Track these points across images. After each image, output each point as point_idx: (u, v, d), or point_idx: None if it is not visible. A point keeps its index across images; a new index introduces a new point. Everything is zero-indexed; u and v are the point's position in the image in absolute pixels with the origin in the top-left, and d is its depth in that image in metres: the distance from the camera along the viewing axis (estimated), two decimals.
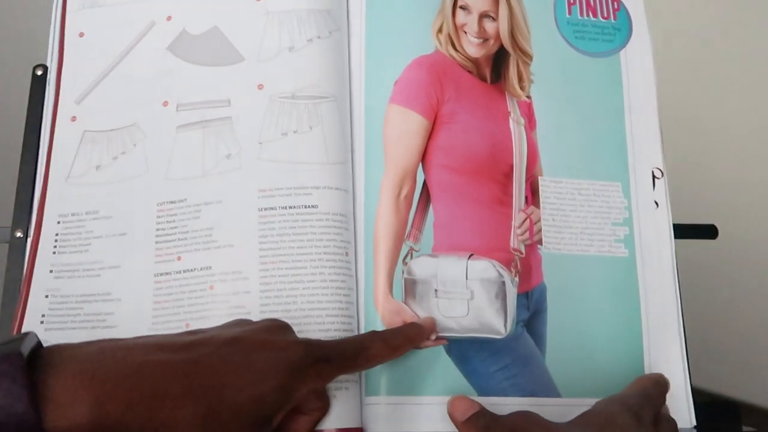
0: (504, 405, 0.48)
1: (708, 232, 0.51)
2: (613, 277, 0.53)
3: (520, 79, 0.57)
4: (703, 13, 1.05)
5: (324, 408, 0.46)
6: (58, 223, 0.53)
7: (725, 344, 1.03)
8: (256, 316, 0.47)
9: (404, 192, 0.53)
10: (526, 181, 0.54)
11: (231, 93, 0.55)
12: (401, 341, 0.46)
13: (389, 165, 0.54)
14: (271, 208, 0.51)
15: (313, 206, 0.51)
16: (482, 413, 0.45)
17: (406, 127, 0.54)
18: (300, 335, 0.46)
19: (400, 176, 0.53)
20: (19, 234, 0.54)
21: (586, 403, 0.46)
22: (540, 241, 0.53)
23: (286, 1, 0.57)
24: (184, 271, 0.51)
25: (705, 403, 0.51)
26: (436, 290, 0.51)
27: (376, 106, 0.55)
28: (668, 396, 0.49)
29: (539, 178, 0.55)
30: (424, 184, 0.54)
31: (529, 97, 0.57)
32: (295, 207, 0.51)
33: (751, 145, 1.04)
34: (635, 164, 0.56)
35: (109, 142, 0.55)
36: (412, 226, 0.53)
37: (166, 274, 0.51)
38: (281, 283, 0.49)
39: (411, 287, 0.51)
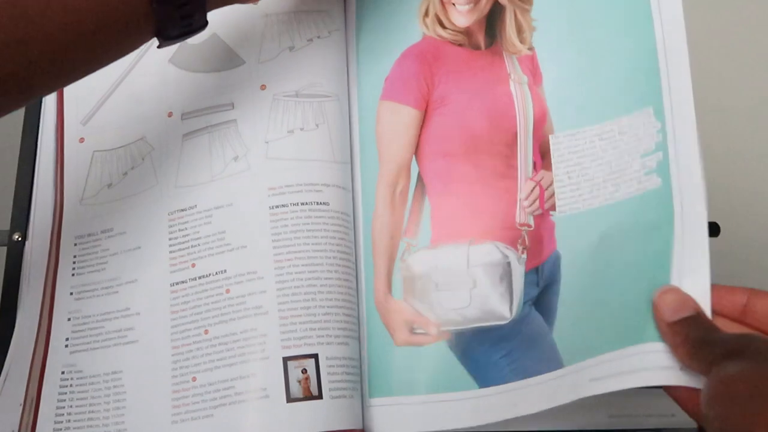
0: (502, 393, 0.46)
1: (710, 229, 0.45)
2: (643, 216, 0.44)
3: (520, 31, 0.52)
4: (708, 9, 0.99)
5: None
6: (75, 245, 0.54)
7: None
8: (274, 316, 0.48)
9: (399, 188, 0.52)
10: (534, 145, 0.50)
11: (234, 96, 0.55)
12: None
13: (383, 163, 0.53)
14: (283, 206, 0.51)
15: (324, 203, 0.51)
16: (698, 319, 0.37)
17: (398, 121, 0.53)
18: (321, 333, 0.48)
19: (395, 173, 0.53)
20: (17, 237, 0.55)
21: (586, 365, 0.42)
22: (553, 207, 0.48)
23: (286, 4, 0.56)
24: (199, 278, 0.51)
25: None
26: (436, 283, 0.49)
27: (368, 105, 0.54)
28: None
29: (550, 136, 0.49)
30: (418, 177, 0.52)
31: (531, 49, 0.51)
32: (307, 203, 0.51)
33: (755, 140, 0.99)
34: (669, 81, 0.45)
35: (119, 160, 0.56)
36: (408, 221, 0.51)
37: (182, 282, 0.51)
38: (298, 281, 0.49)
39: (410, 284, 0.50)
